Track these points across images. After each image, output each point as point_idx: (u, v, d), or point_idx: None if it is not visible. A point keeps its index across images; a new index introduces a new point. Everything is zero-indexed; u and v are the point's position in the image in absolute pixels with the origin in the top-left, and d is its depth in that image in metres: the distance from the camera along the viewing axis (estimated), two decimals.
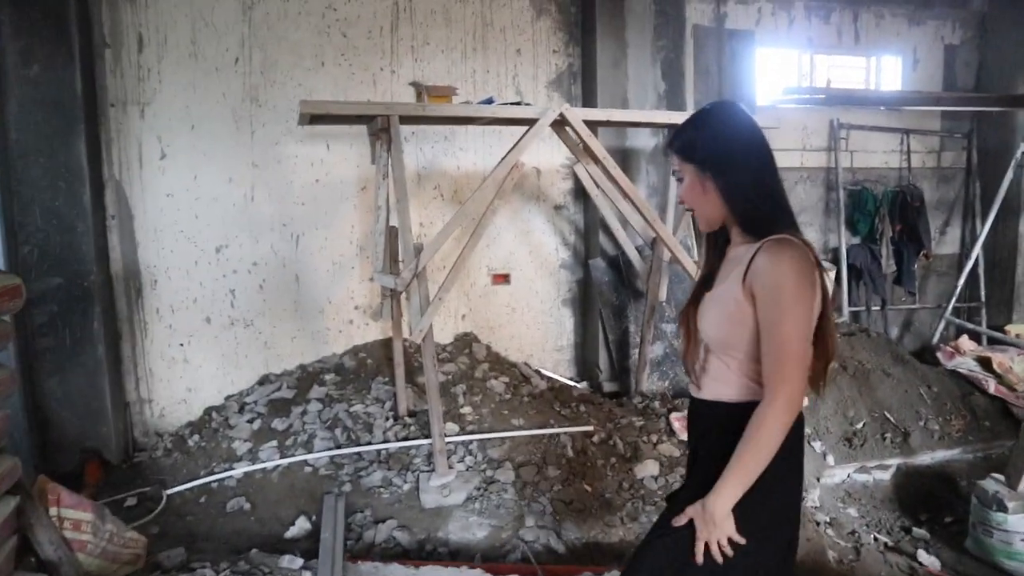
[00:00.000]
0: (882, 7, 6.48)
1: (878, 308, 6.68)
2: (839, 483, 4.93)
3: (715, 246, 1.90)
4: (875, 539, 4.45)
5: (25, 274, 4.14)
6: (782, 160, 6.56)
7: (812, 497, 4.53)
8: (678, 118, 4.69)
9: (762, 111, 6.05)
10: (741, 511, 1.69)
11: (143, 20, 4.57)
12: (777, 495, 1.78)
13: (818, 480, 4.75)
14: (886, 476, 5.03)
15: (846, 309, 6.38)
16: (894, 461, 5.03)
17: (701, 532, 1.71)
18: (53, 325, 4.28)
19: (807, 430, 4.98)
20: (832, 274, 6.23)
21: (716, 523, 1.69)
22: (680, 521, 1.76)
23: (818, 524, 4.18)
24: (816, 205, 6.51)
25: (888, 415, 5.23)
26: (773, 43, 6.27)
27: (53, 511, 2.70)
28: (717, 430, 1.80)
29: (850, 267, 6.44)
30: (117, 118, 4.57)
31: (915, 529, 4.57)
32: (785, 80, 6.47)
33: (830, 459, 4.91)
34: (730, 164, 1.77)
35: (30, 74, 4.05)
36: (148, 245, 4.73)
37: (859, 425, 5.14)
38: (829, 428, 5.11)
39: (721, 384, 1.81)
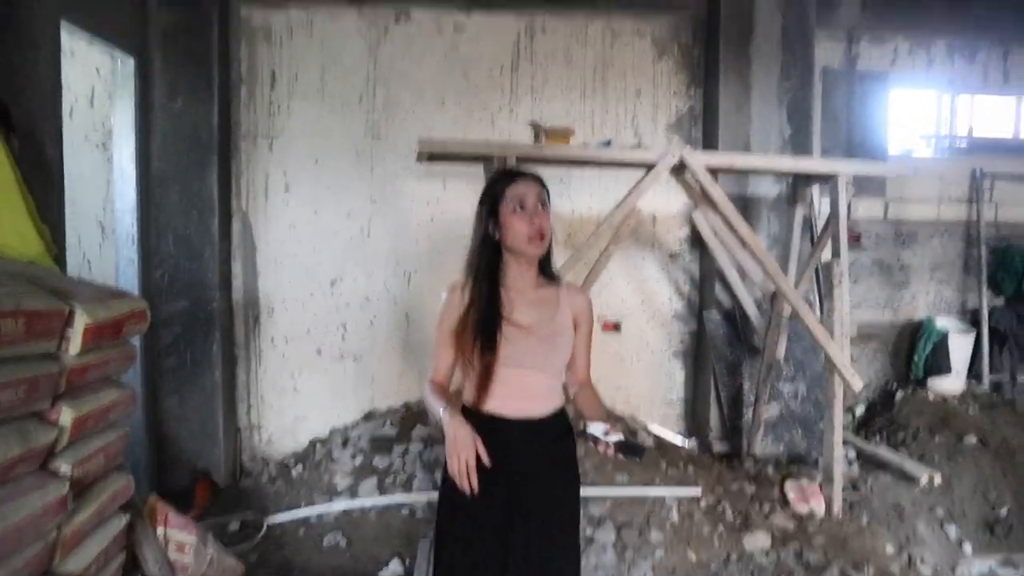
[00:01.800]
0: None
1: None
2: None
3: (491, 286, 2.07)
4: None
5: (156, 296, 4.35)
6: (916, 212, 6.20)
7: None
8: (805, 164, 4.49)
9: (894, 159, 5.71)
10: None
11: (277, 58, 4.79)
12: None
13: (952, 571, 4.30)
14: None
15: (987, 378, 5.83)
16: None
17: None
18: (177, 346, 4.46)
19: (939, 512, 4.57)
20: (971, 338, 5.74)
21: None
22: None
23: None
24: (954, 262, 6.03)
25: None
26: (909, 84, 5.91)
27: (160, 530, 2.75)
28: (563, 436, 2.19)
29: (992, 331, 5.90)
30: (247, 151, 4.78)
31: None
32: (921, 124, 6.08)
33: (967, 547, 4.44)
34: None
35: (174, 107, 4.30)
36: (268, 275, 4.89)
37: (1003, 511, 4.65)
38: (966, 512, 4.65)
39: (555, 398, 2.16)
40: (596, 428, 2.16)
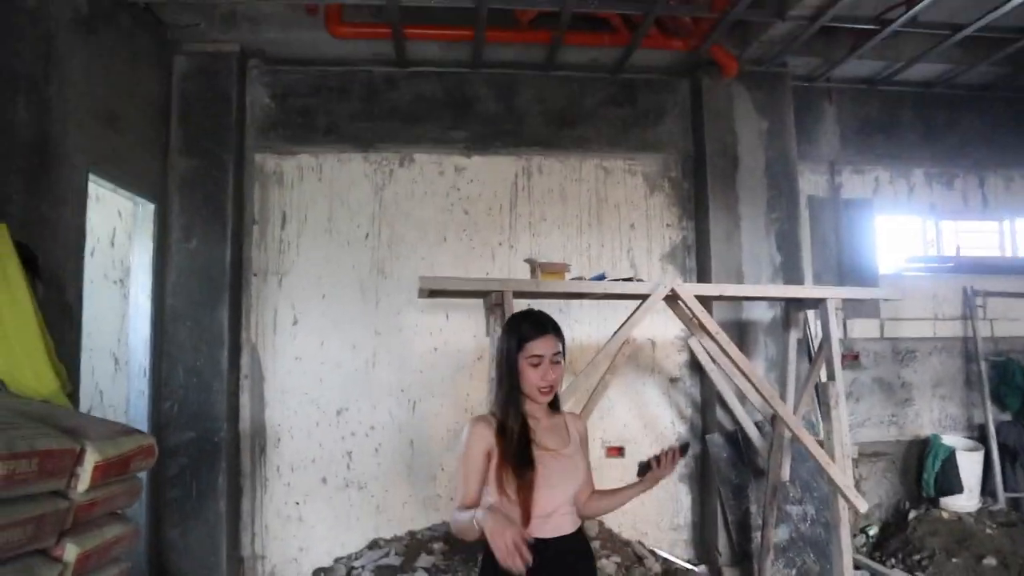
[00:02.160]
0: (1010, 170, 6.32)
1: None
2: None
3: (518, 418, 2.23)
4: None
5: (164, 427, 4.46)
6: (912, 330, 6.28)
7: None
8: (792, 291, 4.64)
9: (885, 280, 5.87)
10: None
11: (288, 200, 5.11)
12: None
13: None
14: None
15: (1002, 495, 5.74)
16: None
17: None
18: (182, 477, 4.52)
19: None
20: (980, 455, 5.69)
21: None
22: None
23: None
24: (955, 377, 6.08)
25: None
26: (892, 211, 6.18)
27: None
28: (587, 549, 2.38)
29: (1002, 447, 5.86)
30: (258, 286, 5.01)
31: None
32: (909, 247, 6.29)
33: None
34: None
35: (189, 247, 4.57)
36: (275, 405, 5.00)
37: None
38: None
39: (575, 518, 2.31)
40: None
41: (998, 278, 6.15)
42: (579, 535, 2.32)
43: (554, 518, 2.23)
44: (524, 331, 2.26)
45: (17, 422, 1.99)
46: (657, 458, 2.24)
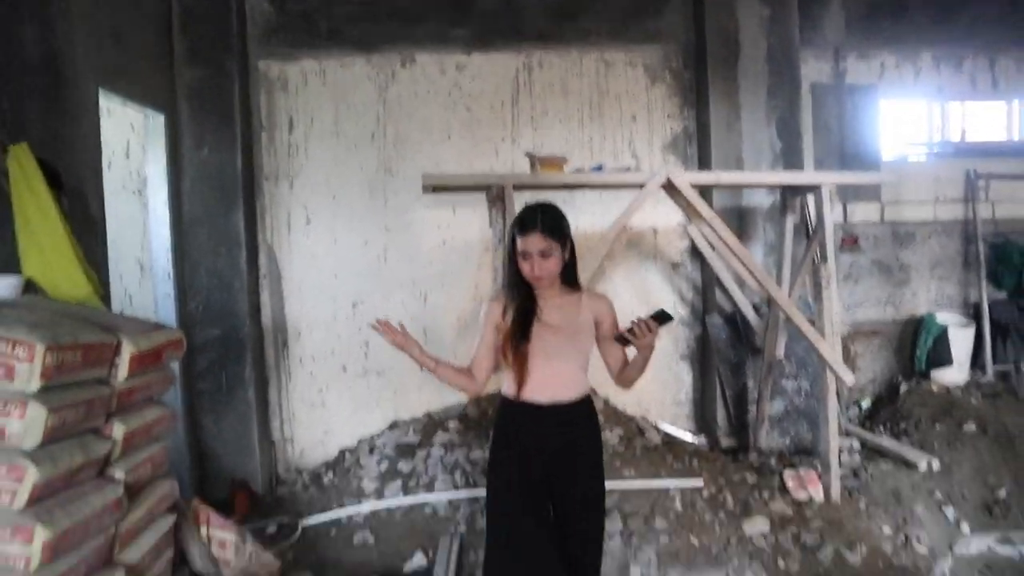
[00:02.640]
0: (1022, 50, 6.21)
1: None
2: (977, 555, 4.62)
3: (524, 297, 2.56)
4: None
5: (191, 326, 4.76)
6: (912, 213, 6.42)
7: (943, 567, 4.30)
8: (787, 177, 4.75)
9: (887, 165, 5.93)
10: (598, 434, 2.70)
11: (294, 105, 5.22)
12: None
13: (950, 549, 4.50)
14: None
15: (991, 368, 6.00)
16: None
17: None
18: (212, 371, 4.87)
19: (938, 495, 4.77)
20: (971, 331, 5.91)
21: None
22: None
23: None
24: (953, 259, 6.22)
25: None
26: (898, 95, 6.15)
27: (203, 530, 3.12)
28: (589, 417, 2.66)
29: (994, 323, 6.06)
30: (270, 190, 5.20)
31: None
32: (913, 131, 6.30)
33: (965, 527, 4.64)
34: (572, 243, 2.59)
35: (201, 155, 4.73)
36: (293, 301, 5.29)
37: (1002, 493, 4.83)
38: (965, 495, 4.83)
39: (579, 386, 2.60)
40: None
41: (1002, 161, 6.17)
42: (580, 404, 2.61)
43: (551, 387, 2.54)
44: (516, 228, 2.54)
45: (60, 320, 2.25)
46: (631, 330, 2.39)
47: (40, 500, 2.05)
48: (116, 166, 4.81)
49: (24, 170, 2.84)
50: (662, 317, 2.43)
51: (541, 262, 2.49)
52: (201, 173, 4.73)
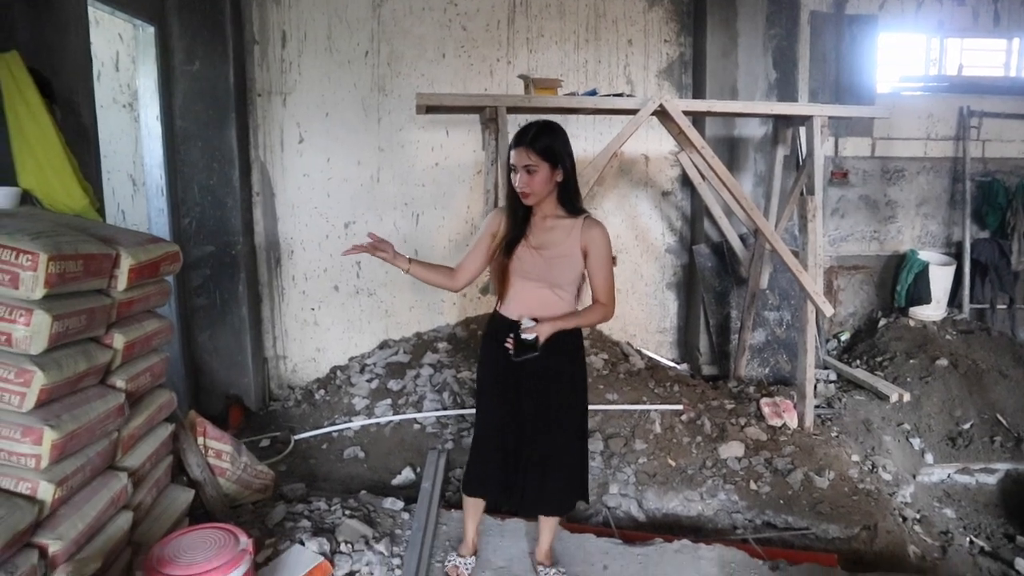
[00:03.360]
0: None
1: (1005, 307, 6.36)
2: (937, 482, 4.86)
3: (518, 216, 2.62)
4: (971, 542, 4.40)
5: (185, 242, 4.79)
6: (903, 150, 6.43)
7: (904, 493, 4.52)
8: (780, 108, 4.74)
9: (881, 99, 5.92)
10: (579, 361, 2.82)
11: (287, 19, 5.11)
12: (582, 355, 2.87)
13: (913, 477, 4.72)
14: (992, 480, 4.91)
15: (967, 306, 6.15)
16: (1003, 466, 4.90)
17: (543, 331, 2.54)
18: (206, 287, 4.93)
19: (906, 426, 4.97)
20: (951, 269, 6.03)
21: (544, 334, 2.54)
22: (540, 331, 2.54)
23: (904, 519, 4.19)
24: (940, 196, 6.29)
25: (1001, 418, 5.08)
26: (899, 27, 6.09)
27: (200, 440, 3.23)
28: (559, 339, 2.63)
29: (974, 262, 6.18)
30: (263, 106, 5.15)
31: (1020, 538, 4.46)
32: (910, 65, 6.27)
33: (929, 457, 4.86)
34: (570, 164, 2.58)
35: (192, 70, 4.66)
36: (287, 220, 5.31)
37: (966, 426, 5.03)
38: (931, 426, 5.04)
39: (554, 308, 2.64)
40: (526, 323, 2.56)
41: (996, 98, 6.16)
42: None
43: (524, 305, 2.63)
44: (511, 141, 2.58)
45: (61, 231, 2.29)
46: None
47: (47, 404, 2.13)
48: (106, 78, 4.74)
49: (16, 78, 2.81)
50: (522, 348, 2.56)
51: (527, 178, 2.52)
52: (193, 87, 4.67)
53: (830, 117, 4.59)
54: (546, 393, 2.69)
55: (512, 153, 2.54)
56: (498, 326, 2.70)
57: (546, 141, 2.52)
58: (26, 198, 2.77)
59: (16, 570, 1.88)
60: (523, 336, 2.52)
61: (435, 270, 2.74)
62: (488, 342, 2.78)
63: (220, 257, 4.91)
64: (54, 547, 2.04)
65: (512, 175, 2.57)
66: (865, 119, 5.89)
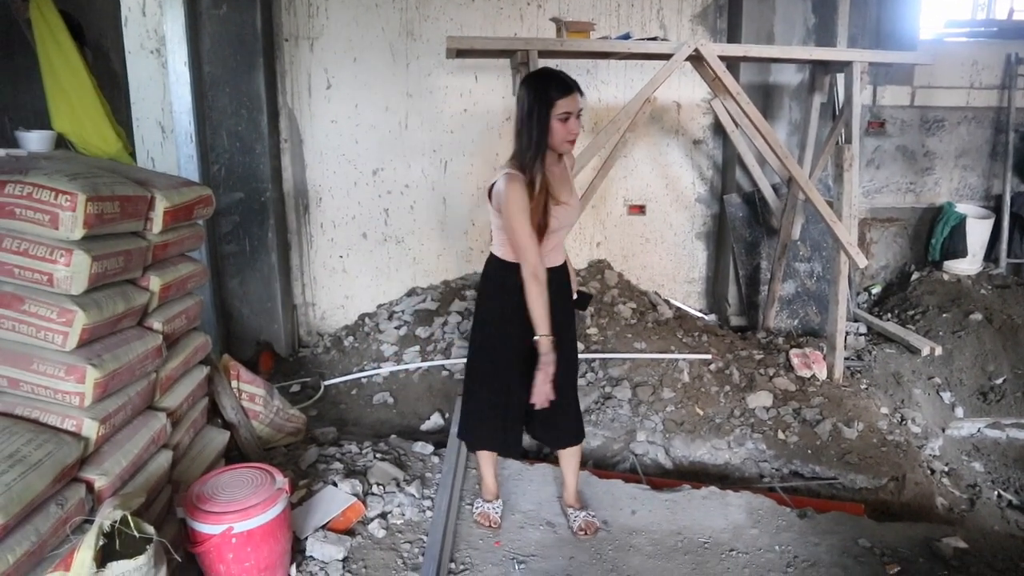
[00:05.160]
0: None
1: None
2: (967, 436, 4.83)
3: (538, 176, 2.51)
4: (999, 495, 4.38)
5: (214, 189, 4.73)
6: (944, 99, 6.25)
7: (933, 446, 4.50)
8: (818, 53, 4.61)
9: (924, 45, 5.72)
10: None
11: None
12: None
13: (943, 431, 4.69)
14: (1023, 435, 4.86)
15: (1004, 260, 6.01)
16: None
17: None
18: (236, 234, 4.95)
19: (937, 380, 4.92)
20: (989, 223, 5.88)
21: None
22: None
23: (932, 472, 4.18)
24: (981, 148, 6.10)
25: None
26: None
27: (234, 384, 3.29)
28: (568, 275, 2.84)
29: (1013, 216, 6.03)
30: (290, 51, 5.09)
31: None
32: (957, 10, 6.04)
33: (959, 411, 4.82)
34: None
35: (219, 13, 4.60)
36: (315, 166, 5.29)
37: (998, 381, 4.97)
38: (963, 380, 4.99)
39: (564, 251, 2.82)
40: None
41: None
42: (564, 265, 2.81)
43: (553, 253, 2.70)
44: (553, 90, 2.48)
45: (98, 172, 2.30)
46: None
47: (88, 344, 2.17)
48: (133, 23, 4.68)
49: (48, 21, 2.81)
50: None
51: (578, 124, 2.53)
52: (220, 32, 4.62)
53: (870, 63, 4.48)
54: (563, 330, 2.70)
55: (564, 102, 2.47)
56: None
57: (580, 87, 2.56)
58: (61, 141, 2.80)
59: (66, 503, 1.94)
60: (583, 290, 2.87)
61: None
62: (508, 292, 2.63)
63: (249, 204, 4.92)
64: (100, 482, 2.10)
65: (558, 125, 2.49)
66: (906, 66, 5.69)
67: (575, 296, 2.93)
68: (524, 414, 2.78)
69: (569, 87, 2.49)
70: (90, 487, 2.08)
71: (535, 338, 2.52)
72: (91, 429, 2.11)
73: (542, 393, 2.54)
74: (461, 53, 4.15)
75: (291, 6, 5.03)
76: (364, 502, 2.95)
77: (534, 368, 2.56)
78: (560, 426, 2.88)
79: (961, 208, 5.90)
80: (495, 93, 5.32)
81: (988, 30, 5.90)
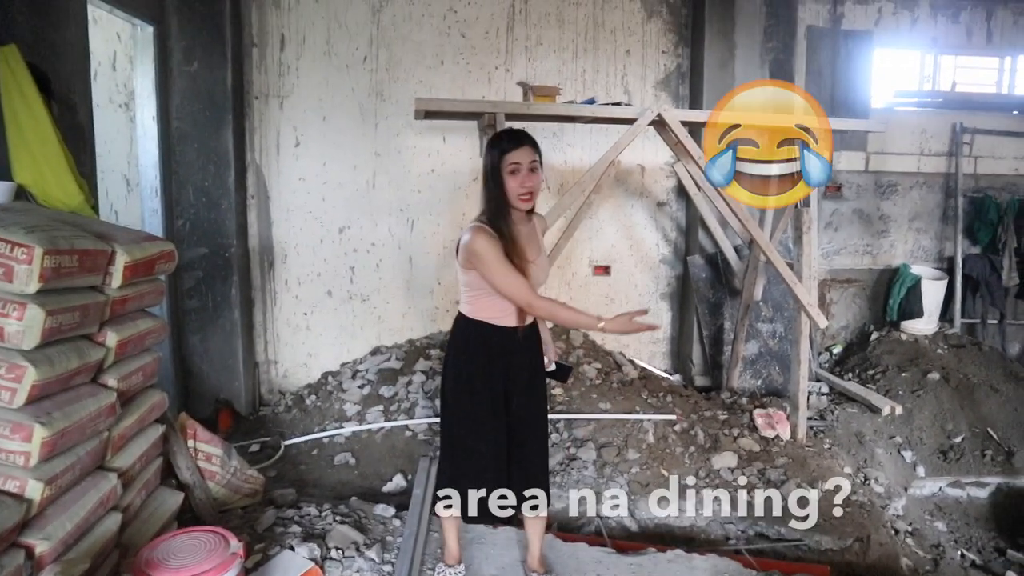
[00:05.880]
0: (1021, 3, 6.20)
1: (996, 322, 6.41)
2: (929, 496, 4.87)
3: (507, 232, 2.49)
4: (962, 555, 4.40)
5: (178, 243, 4.72)
6: (896, 164, 6.49)
7: (896, 506, 4.52)
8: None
9: (876, 113, 5.96)
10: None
11: (286, 22, 5.10)
12: None
13: (905, 490, 4.73)
14: (983, 494, 4.93)
15: (958, 320, 6.19)
16: (993, 480, 4.93)
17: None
18: (199, 289, 4.89)
19: (898, 439, 4.97)
20: (943, 284, 6.05)
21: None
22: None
23: (896, 532, 4.18)
24: (932, 212, 6.33)
25: (992, 432, 5.10)
26: (893, 44, 6.15)
27: (190, 443, 3.20)
28: (538, 334, 2.78)
29: (966, 277, 6.22)
30: (260, 109, 5.13)
31: (1011, 552, 4.47)
32: (905, 82, 6.32)
33: (920, 470, 4.86)
34: None
35: (190, 70, 4.64)
36: (281, 223, 5.28)
37: (957, 439, 5.04)
38: (923, 439, 5.05)
39: None
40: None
41: (989, 115, 6.22)
42: (534, 324, 2.75)
43: (521, 312, 2.63)
44: (504, 144, 2.50)
45: (57, 226, 2.26)
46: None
47: (38, 401, 2.10)
48: (103, 76, 4.72)
49: (14, 73, 2.79)
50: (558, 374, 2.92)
51: (532, 177, 2.50)
52: (191, 88, 4.65)
53: None
54: (531, 387, 2.72)
55: (513, 153, 2.46)
56: (498, 335, 2.62)
57: (534, 140, 2.55)
58: (21, 193, 2.75)
59: (1, 570, 1.85)
60: (562, 363, 2.90)
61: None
62: (479, 351, 2.63)
63: (214, 259, 4.88)
64: (41, 547, 2.01)
65: (509, 179, 2.48)
66: (859, 133, 5.92)
67: (552, 367, 2.87)
68: (504, 462, 2.71)
69: (519, 140, 2.49)
70: (30, 552, 1.98)
71: (599, 325, 2.43)
72: (35, 491, 2.03)
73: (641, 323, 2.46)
74: (430, 114, 4.22)
75: (262, 65, 5.10)
76: (322, 567, 2.85)
77: (506, 421, 2.62)
78: (531, 470, 2.78)
79: (916, 269, 6.07)
80: (463, 154, 5.39)
81: (934, 100, 6.18)
